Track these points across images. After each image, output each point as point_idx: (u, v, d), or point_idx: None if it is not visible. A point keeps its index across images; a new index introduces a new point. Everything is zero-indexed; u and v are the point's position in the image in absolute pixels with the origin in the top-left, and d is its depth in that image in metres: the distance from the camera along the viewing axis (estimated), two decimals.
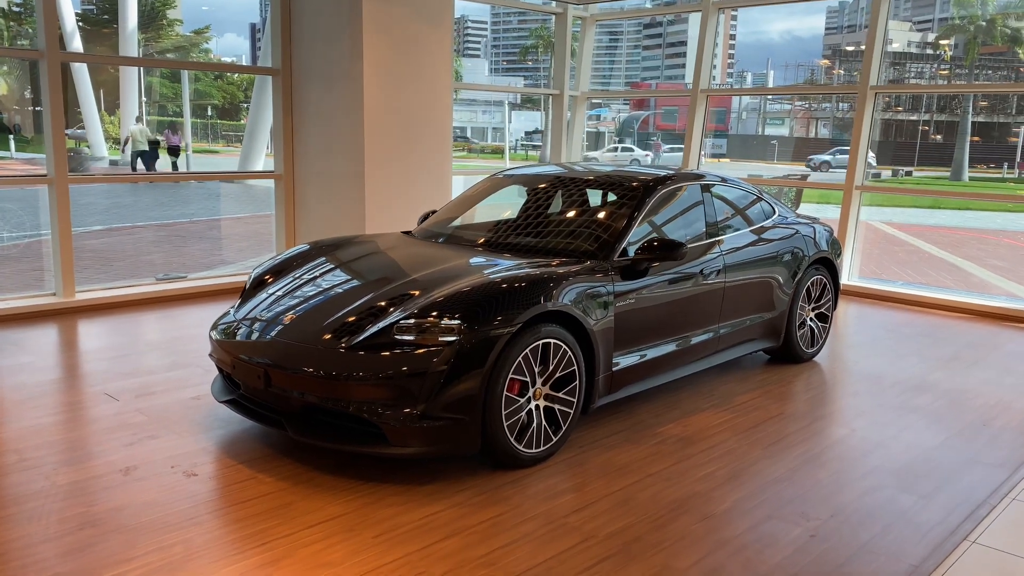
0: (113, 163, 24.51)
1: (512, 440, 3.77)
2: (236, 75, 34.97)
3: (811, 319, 5.82)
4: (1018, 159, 42.17)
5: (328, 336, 3.76)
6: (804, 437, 4.40)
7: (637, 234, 4.56)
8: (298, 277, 4.46)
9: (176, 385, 4.96)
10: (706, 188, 5.20)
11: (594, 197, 4.97)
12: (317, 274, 4.45)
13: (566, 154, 10.54)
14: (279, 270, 4.64)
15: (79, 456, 3.92)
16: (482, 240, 4.84)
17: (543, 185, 5.18)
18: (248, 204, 16.48)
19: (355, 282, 4.29)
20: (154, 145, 20.92)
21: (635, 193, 4.74)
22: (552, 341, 3.88)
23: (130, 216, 14.67)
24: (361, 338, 3.69)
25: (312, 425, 3.75)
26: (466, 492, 3.63)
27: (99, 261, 10.11)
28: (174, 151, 23.52)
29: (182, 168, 22.49)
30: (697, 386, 5.18)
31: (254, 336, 3.99)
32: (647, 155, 41.61)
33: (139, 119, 23.67)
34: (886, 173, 36.96)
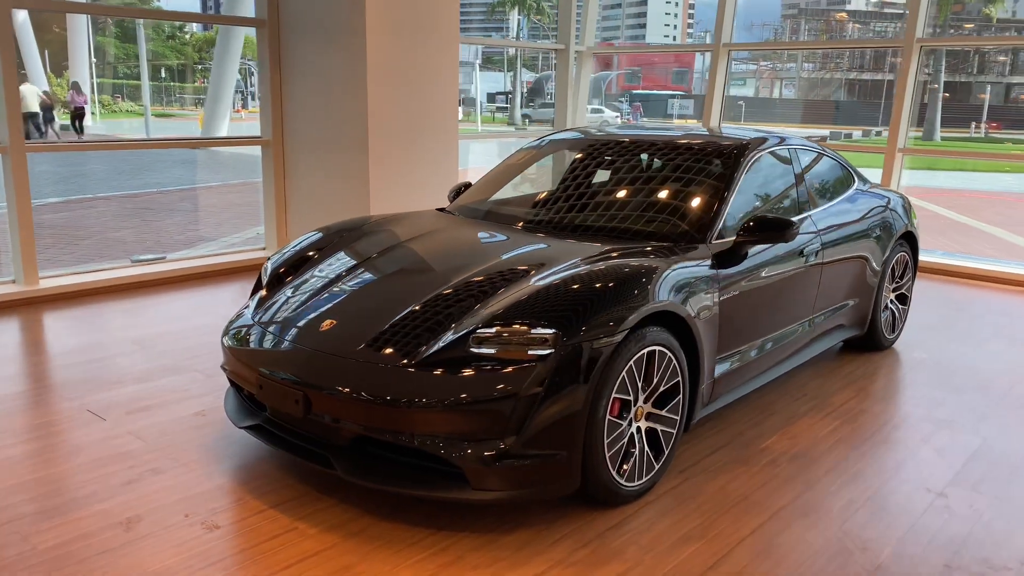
0: (64, 128, 23.02)
1: (614, 473, 3.04)
2: (189, 35, 33.28)
3: (891, 301, 5.15)
4: (984, 118, 42.14)
5: (389, 350, 2.96)
6: (932, 452, 3.73)
7: (732, 211, 3.81)
8: (328, 270, 3.63)
9: (173, 397, 4.13)
10: (793, 153, 4.45)
11: (666, 167, 4.18)
12: (351, 266, 3.62)
13: (571, 114, 9.72)
14: (300, 260, 3.81)
15: (64, 504, 3.09)
16: (541, 220, 4.04)
17: (602, 153, 4.37)
18: (217, 171, 15.35)
19: (403, 278, 3.47)
20: (47, 108, 19.35)
21: (725, 161, 3.97)
22: (657, 348, 3.13)
23: (89, 186, 13.52)
24: (430, 352, 2.91)
25: (365, 461, 2.96)
26: (564, 544, 2.89)
27: (62, 240, 9.09)
28: (78, 113, 22.00)
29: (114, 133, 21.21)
30: (783, 384, 4.48)
31: (285, 347, 3.17)
32: (616, 116, 40.76)
33: (27, 79, 21.88)
34: (856, 133, 36.56)
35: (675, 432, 3.32)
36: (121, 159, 15.52)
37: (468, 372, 2.83)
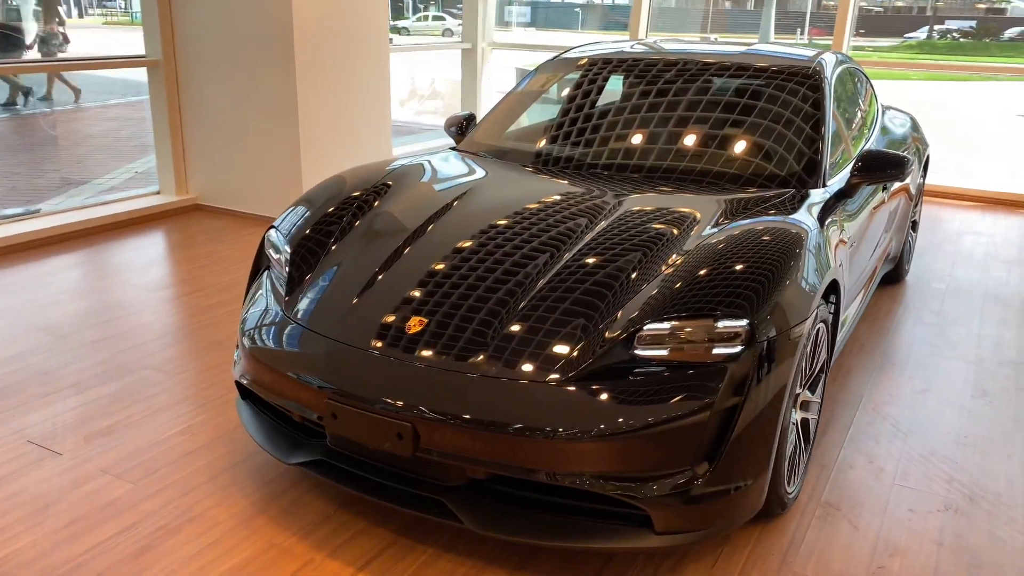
0: None
1: (785, 481, 2.48)
2: None
3: (908, 229, 4.84)
4: (807, 24, 43.85)
5: (525, 361, 2.20)
6: None
7: (833, 145, 3.26)
8: (376, 248, 2.74)
9: (137, 411, 3.17)
10: (851, 73, 3.92)
11: (743, 94, 3.49)
12: (405, 240, 2.75)
13: (483, 23, 8.78)
14: (318, 233, 2.87)
15: None
16: (612, 164, 3.28)
17: (653, 76, 3.63)
18: (38, 93, 13.09)
19: (485, 255, 2.59)
20: None
21: (809, 85, 3.38)
22: (821, 325, 2.56)
23: None
24: (586, 363, 2.18)
25: (493, 504, 2.24)
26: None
27: None
28: None
29: None
30: None
31: (368, 359, 2.32)
32: (460, 24, 38.90)
33: None
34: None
35: (818, 417, 2.79)
36: None
37: (641, 384, 2.15)
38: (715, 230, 2.59)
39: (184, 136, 5.96)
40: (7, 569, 2.30)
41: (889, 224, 3.91)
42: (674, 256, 2.46)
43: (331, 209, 2.94)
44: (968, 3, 34.58)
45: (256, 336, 2.56)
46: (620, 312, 2.27)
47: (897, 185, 4.01)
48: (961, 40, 31.76)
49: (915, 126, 4.74)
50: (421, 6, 40.90)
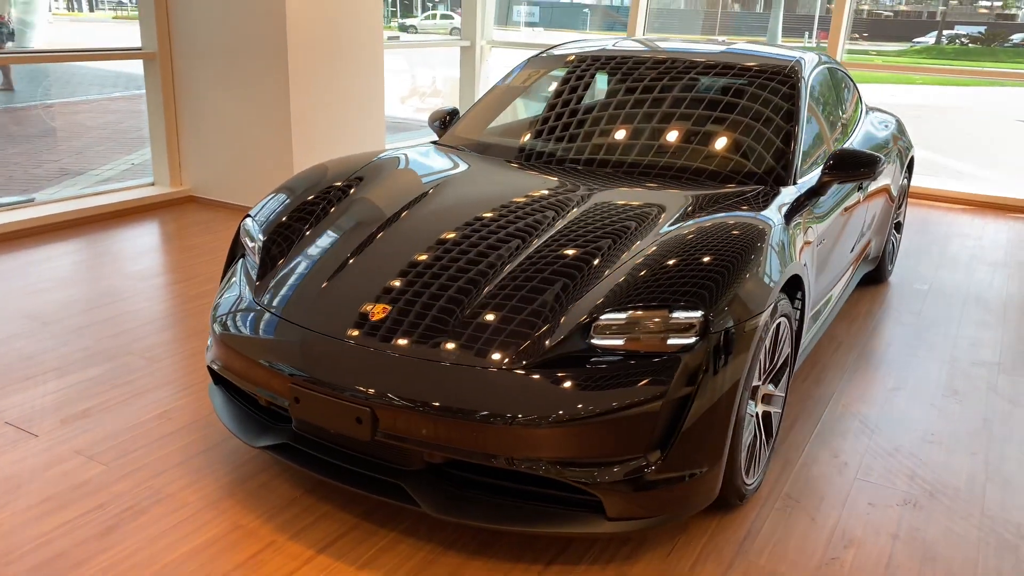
0: None
1: (742, 472, 2.52)
2: None
3: (891, 230, 4.86)
4: (816, 27, 43.73)
5: (483, 347, 2.25)
6: (1009, 404, 3.45)
7: (806, 144, 3.29)
8: (348, 236, 2.80)
9: (116, 395, 3.22)
10: (831, 73, 3.96)
11: (717, 92, 3.54)
12: (376, 229, 2.81)
13: (481, 22, 8.82)
14: (294, 220, 2.93)
15: (29, 574, 2.24)
16: (587, 159, 3.33)
17: (631, 74, 3.68)
18: (44, 86, 13.19)
19: (453, 245, 2.65)
20: None
21: (786, 84, 3.41)
22: (782, 319, 2.60)
23: None
24: (544, 349, 2.23)
25: (451, 489, 2.28)
26: (706, 568, 2.36)
27: None
28: None
29: None
30: None
31: (329, 343, 2.38)
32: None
33: None
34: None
35: (782, 411, 2.83)
36: None
37: (597, 372, 2.19)
38: (678, 224, 2.63)
39: (179, 128, 6.02)
40: None
41: (867, 224, 3.94)
42: (635, 248, 2.51)
43: (310, 197, 2.99)
44: (976, 8, 34.43)
45: (225, 322, 2.61)
46: (579, 302, 2.32)
47: (876, 185, 4.03)
48: (969, 45, 31.59)
49: (899, 128, 4.76)
50: (430, 5, 40.86)
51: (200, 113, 5.87)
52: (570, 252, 2.51)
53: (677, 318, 2.23)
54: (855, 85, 4.56)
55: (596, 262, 2.46)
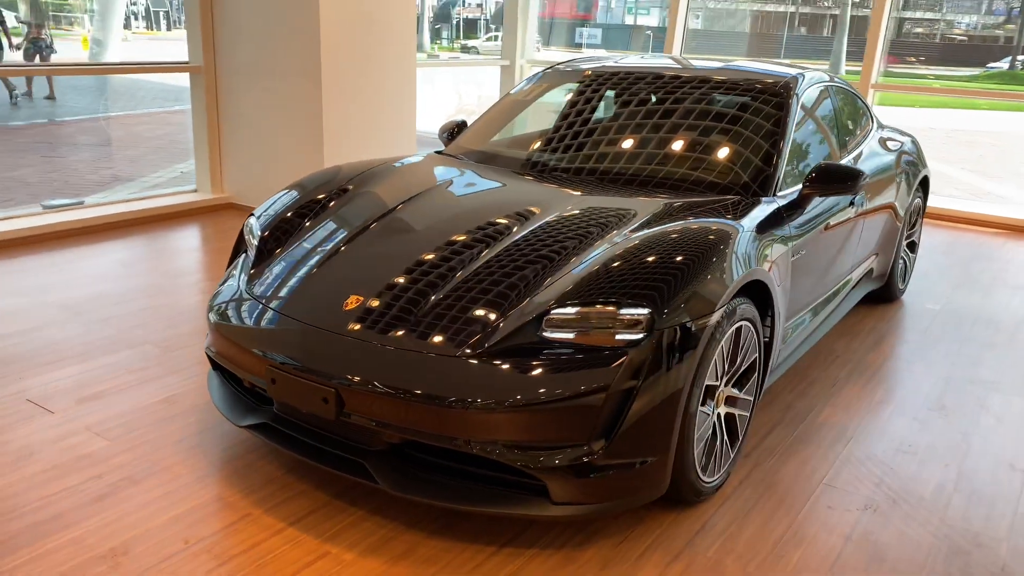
0: None
1: (699, 470, 2.61)
2: None
3: (903, 249, 4.87)
4: (882, 51, 42.90)
5: (441, 337, 2.41)
6: (994, 420, 3.46)
7: (791, 158, 3.38)
8: (333, 234, 3.00)
9: (129, 379, 3.46)
10: (830, 91, 4.02)
11: (708, 107, 3.64)
12: (363, 227, 3.00)
13: (521, 42, 9.04)
14: (288, 221, 3.14)
15: (26, 530, 2.45)
16: (574, 168, 3.48)
17: (627, 89, 3.82)
18: (114, 100, 13.86)
19: (432, 243, 2.83)
20: None
21: (775, 100, 3.50)
22: (744, 323, 2.69)
23: None
24: (496, 340, 2.37)
25: (409, 469, 2.44)
26: (653, 558, 2.46)
27: None
28: None
29: None
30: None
31: (303, 330, 2.56)
32: (538, 45, 39.22)
33: None
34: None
35: (749, 415, 2.91)
36: None
37: (546, 363, 2.32)
38: (644, 227, 2.75)
39: (221, 138, 6.34)
40: None
41: (864, 240, 3.98)
42: (597, 248, 2.64)
43: (284, 206, 3.20)
44: None
45: (218, 310, 2.82)
46: (534, 297, 2.46)
47: (878, 202, 4.08)
48: None
49: (912, 148, 4.78)
50: (492, 27, 41.48)
51: (240, 124, 6.18)
52: (535, 252, 2.66)
53: (625, 314, 2.35)
54: (866, 106, 4.61)
55: (557, 261, 2.60)
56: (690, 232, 2.68)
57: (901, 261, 4.80)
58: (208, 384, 3.00)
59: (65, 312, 4.15)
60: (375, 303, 2.56)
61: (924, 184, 4.89)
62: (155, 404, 3.25)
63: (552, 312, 2.39)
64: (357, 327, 2.49)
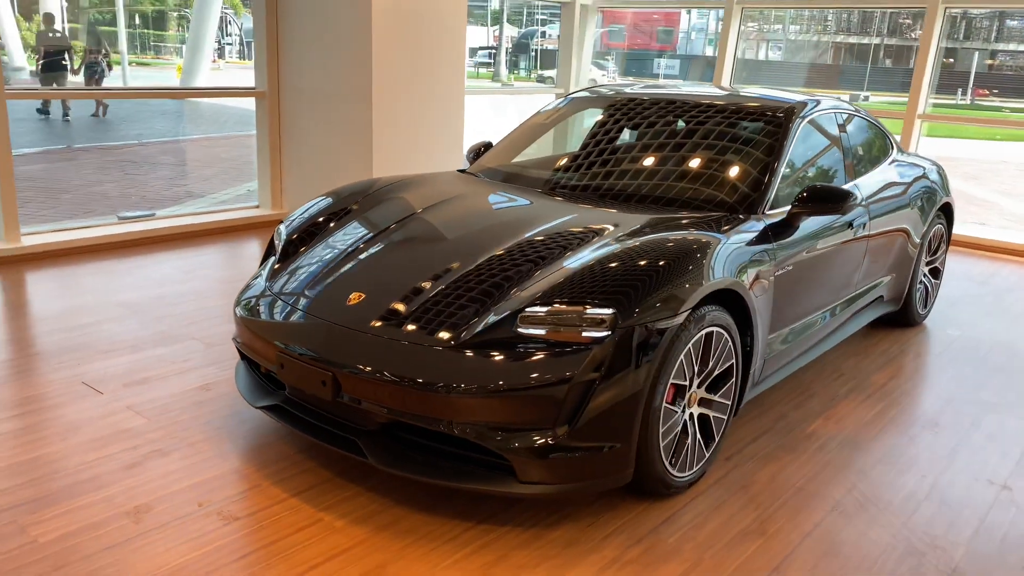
0: (33, 74, 22.06)
1: (667, 464, 2.80)
2: None
3: (925, 275, 4.93)
4: (971, 84, 41.83)
5: (428, 329, 2.69)
6: (984, 438, 3.53)
7: (784, 179, 3.56)
8: (349, 238, 3.33)
9: (173, 368, 3.83)
10: (839, 118, 4.18)
11: (709, 131, 3.87)
12: (373, 234, 3.32)
13: (575, 72, 9.36)
14: (313, 227, 3.49)
15: (64, 489, 2.81)
16: (576, 186, 3.75)
17: (636, 114, 4.06)
18: (198, 124, 14.77)
19: (433, 249, 3.15)
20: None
21: (775, 125, 3.69)
22: (715, 329, 2.89)
23: (64, 135, 12.93)
24: (474, 333, 2.63)
25: (399, 448, 2.71)
26: (616, 540, 2.66)
27: (42, 193, 8.63)
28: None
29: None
30: (819, 364, 4.27)
31: (309, 321, 2.88)
32: (603, 75, 39.79)
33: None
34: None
35: (726, 418, 3.09)
36: (86, 106, 14.75)
37: (517, 355, 2.57)
38: (624, 237, 2.99)
39: (282, 158, 6.80)
40: (38, 464, 2.96)
41: (869, 263, 4.09)
42: (576, 254, 2.88)
43: (316, 212, 3.58)
44: None
45: (242, 304, 3.16)
46: (512, 296, 2.71)
47: (887, 227, 4.20)
48: None
49: (936, 176, 4.86)
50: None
51: (299, 145, 6.63)
52: (520, 258, 2.92)
53: (591, 314, 2.59)
54: (886, 133, 4.73)
55: (541, 265, 2.85)
56: (667, 242, 2.90)
57: (921, 286, 4.87)
58: (235, 372, 3.33)
59: (126, 310, 4.59)
60: (376, 299, 2.85)
61: (947, 211, 4.96)
62: (192, 390, 3.61)
63: (526, 310, 2.64)
64: (356, 319, 2.79)
